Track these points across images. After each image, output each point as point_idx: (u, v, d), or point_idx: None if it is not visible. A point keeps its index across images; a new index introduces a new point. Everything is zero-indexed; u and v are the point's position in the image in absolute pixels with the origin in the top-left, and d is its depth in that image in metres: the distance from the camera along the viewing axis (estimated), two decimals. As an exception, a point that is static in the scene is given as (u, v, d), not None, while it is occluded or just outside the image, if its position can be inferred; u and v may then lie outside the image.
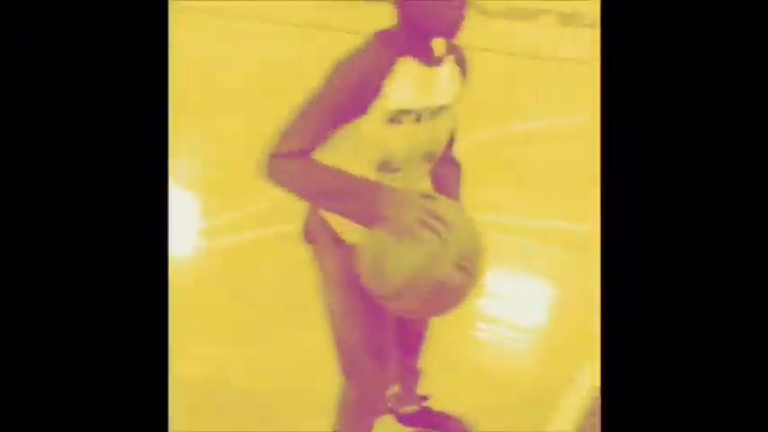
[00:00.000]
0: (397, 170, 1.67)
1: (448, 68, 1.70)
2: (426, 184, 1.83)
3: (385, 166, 1.65)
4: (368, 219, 1.55)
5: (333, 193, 1.56)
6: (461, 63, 1.76)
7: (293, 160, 1.56)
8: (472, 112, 1.82)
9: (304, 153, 1.57)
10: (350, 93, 1.55)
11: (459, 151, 1.93)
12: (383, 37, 1.61)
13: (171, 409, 2.34)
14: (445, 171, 1.90)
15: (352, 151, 1.62)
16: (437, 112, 1.67)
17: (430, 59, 1.64)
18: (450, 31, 1.56)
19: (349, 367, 1.88)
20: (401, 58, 1.59)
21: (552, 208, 3.73)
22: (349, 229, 1.76)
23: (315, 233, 1.85)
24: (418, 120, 1.63)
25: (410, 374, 2.25)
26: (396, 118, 1.59)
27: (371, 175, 1.65)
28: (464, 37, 1.64)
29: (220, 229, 3.63)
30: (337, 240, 1.80)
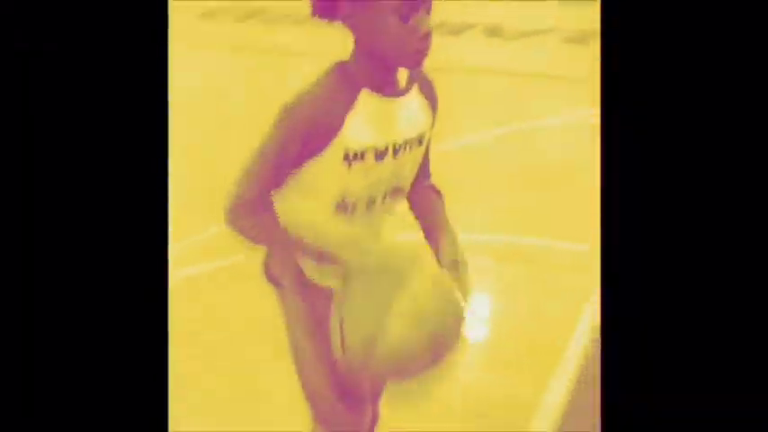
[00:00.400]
0: (354, 210, 1.56)
1: (413, 99, 1.56)
2: (389, 222, 1.68)
3: (343, 206, 1.55)
4: (324, 258, 1.53)
5: (290, 245, 1.56)
6: (428, 91, 1.60)
7: (252, 215, 1.52)
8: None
9: (263, 197, 1.52)
10: (310, 131, 1.45)
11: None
12: (341, 69, 1.50)
13: (171, 409, 2.33)
14: (425, 201, 1.72)
15: (308, 191, 1.53)
16: (403, 146, 1.55)
17: (393, 91, 1.52)
18: (414, 61, 1.46)
19: (322, 413, 1.74)
20: (363, 91, 1.48)
21: (492, 222, 3.69)
22: (314, 269, 1.63)
23: (277, 273, 1.71)
24: (380, 157, 1.52)
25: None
26: (356, 155, 1.49)
27: (329, 215, 1.55)
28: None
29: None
30: (303, 281, 1.66)
